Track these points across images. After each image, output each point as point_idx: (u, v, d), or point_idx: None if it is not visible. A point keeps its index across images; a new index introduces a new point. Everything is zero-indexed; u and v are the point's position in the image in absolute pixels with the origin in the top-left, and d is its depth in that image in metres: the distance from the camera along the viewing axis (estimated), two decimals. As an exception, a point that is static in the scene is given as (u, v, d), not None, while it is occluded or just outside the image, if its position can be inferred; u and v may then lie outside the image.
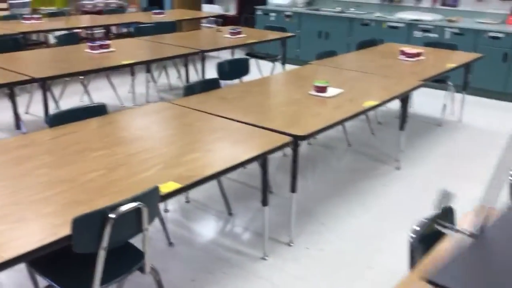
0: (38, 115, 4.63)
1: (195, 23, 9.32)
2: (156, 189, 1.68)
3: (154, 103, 2.85)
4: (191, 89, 3.02)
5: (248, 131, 2.43)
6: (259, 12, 7.55)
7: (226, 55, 7.09)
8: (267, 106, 2.85)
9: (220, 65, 3.73)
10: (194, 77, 5.99)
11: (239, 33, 5.26)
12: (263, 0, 7.89)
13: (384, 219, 3.04)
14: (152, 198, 1.67)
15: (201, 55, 4.52)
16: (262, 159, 2.35)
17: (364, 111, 2.90)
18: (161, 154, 2.10)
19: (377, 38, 5.47)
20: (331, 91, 3.10)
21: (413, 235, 1.50)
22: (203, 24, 8.75)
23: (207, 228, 2.91)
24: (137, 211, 1.62)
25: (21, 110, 4.59)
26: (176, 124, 2.50)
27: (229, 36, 5.21)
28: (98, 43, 4.19)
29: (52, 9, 7.82)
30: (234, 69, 3.85)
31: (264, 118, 2.61)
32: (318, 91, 3.07)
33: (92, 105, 2.58)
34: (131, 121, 2.54)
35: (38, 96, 4.57)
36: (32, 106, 4.77)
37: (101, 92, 5.38)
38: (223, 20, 8.10)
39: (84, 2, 8.18)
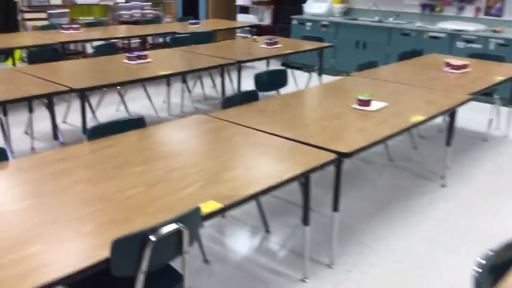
0: (75, 125, 4.66)
1: (229, 33, 9.31)
2: (197, 210, 1.60)
3: (192, 116, 2.78)
4: (229, 102, 2.94)
5: (289, 146, 2.33)
6: (294, 22, 7.46)
7: (261, 65, 7.03)
8: (308, 120, 2.74)
9: (258, 76, 3.65)
10: (229, 87, 5.95)
11: (275, 43, 5.18)
12: (298, 9, 7.81)
13: (431, 240, 2.87)
14: (193, 220, 1.59)
15: (237, 66, 4.45)
16: (304, 177, 2.24)
17: (411, 127, 2.76)
18: (201, 170, 2.02)
19: (418, 48, 5.29)
20: (375, 105, 2.96)
21: (479, 270, 1.36)
22: (238, 34, 8.73)
23: (244, 245, 2.81)
24: (177, 233, 1.53)
25: (58, 119, 4.63)
26: (215, 138, 2.42)
27: (265, 46, 5.14)
28: (136, 53, 4.18)
29: (90, 19, 7.94)
30: (272, 81, 3.77)
31: (305, 133, 2.50)
32: (361, 105, 2.94)
33: (130, 118, 2.53)
34: (169, 134, 2.48)
35: (76, 105, 4.62)
36: (70, 116, 4.81)
37: (136, 101, 5.39)
38: (258, 30, 8.06)
39: (121, 12, 8.28)
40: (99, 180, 1.89)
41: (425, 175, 3.77)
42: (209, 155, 2.19)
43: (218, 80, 5.70)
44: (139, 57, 4.19)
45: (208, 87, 6.09)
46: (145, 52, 4.27)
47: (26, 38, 5.31)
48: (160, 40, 7.19)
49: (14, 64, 5.49)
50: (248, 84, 5.95)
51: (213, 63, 4.28)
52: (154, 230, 1.46)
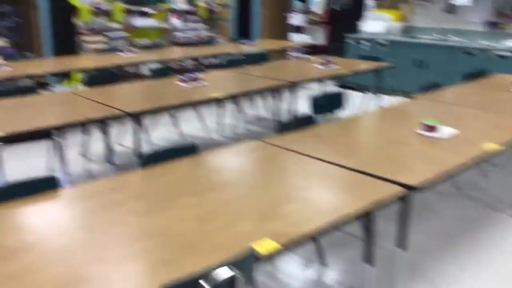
0: (129, 147, 4.69)
1: (283, 53, 9.26)
2: (253, 253, 1.47)
3: (246, 142, 2.68)
4: (285, 126, 2.82)
5: (349, 177, 2.16)
6: (350, 41, 7.29)
7: (315, 86, 6.88)
8: (369, 147, 2.56)
9: (314, 99, 3.51)
10: (282, 108, 5.84)
11: (330, 63, 5.03)
12: (354, 28, 7.64)
13: (508, 279, 2.59)
14: (248, 263, 1.46)
15: (291, 87, 4.34)
16: (368, 215, 2.07)
17: (485, 156, 2.51)
18: (255, 203, 1.89)
19: (483, 68, 4.98)
20: (443, 131, 2.74)
21: None
22: (291, 53, 8.65)
23: (298, 281, 2.64)
24: (231, 279, 1.41)
25: (113, 140, 4.67)
26: (270, 167, 2.29)
27: (319, 66, 5.00)
28: (189, 76, 4.16)
29: (147, 41, 8.14)
30: (328, 103, 3.62)
31: (366, 161, 2.33)
32: (427, 131, 2.73)
33: (184, 145, 2.46)
34: (223, 162, 2.38)
35: (130, 126, 4.61)
36: (124, 137, 4.85)
37: (189, 123, 5.38)
38: (312, 50, 7.95)
39: (176, 34, 8.43)
40: (150, 213, 1.81)
41: (496, 205, 3.46)
42: (264, 186, 2.07)
43: (270, 100, 5.60)
44: (193, 80, 4.17)
45: (260, 107, 6.00)
46: (199, 75, 4.24)
47: (86, 61, 5.45)
48: (214, 61, 7.20)
49: (73, 86, 5.63)
50: (301, 105, 5.85)
51: (266, 84, 4.19)
52: (205, 275, 1.34)
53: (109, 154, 3.46)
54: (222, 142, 4.92)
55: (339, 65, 5.10)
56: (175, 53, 6.20)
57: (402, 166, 2.26)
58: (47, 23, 7.31)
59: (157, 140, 4.89)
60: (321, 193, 1.99)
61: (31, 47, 7.47)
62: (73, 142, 4.68)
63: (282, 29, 10.00)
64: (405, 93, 3.80)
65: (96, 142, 4.56)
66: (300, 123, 2.89)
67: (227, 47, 6.89)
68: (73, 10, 7.46)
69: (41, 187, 2.00)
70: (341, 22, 8.22)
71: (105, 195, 1.97)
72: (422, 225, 3.19)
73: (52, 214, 1.81)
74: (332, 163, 2.32)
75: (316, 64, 5.08)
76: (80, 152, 4.50)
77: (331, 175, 2.18)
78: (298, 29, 8.78)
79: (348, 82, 5.64)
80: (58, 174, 3.80)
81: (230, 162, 2.37)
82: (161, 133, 5.07)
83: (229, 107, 5.79)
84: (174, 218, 1.76)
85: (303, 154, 2.45)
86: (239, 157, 2.44)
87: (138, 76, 6.23)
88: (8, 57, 5.80)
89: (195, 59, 6.47)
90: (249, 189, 2.03)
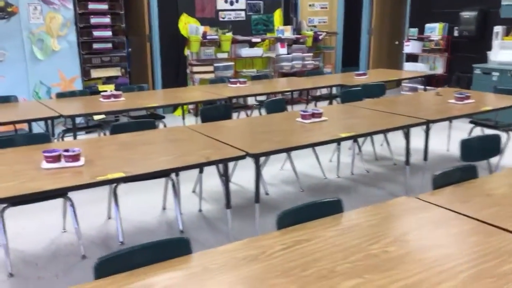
0: (241, 185, 4.39)
1: (394, 84, 8.66)
2: None
3: (396, 199, 2.21)
4: (445, 179, 2.31)
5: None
6: (477, 71, 6.54)
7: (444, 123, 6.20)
8: None
9: (465, 143, 2.96)
10: (399, 147, 5.27)
11: (466, 98, 4.41)
12: (479, 57, 6.89)
13: None
14: None
15: (426, 126, 3.80)
16: None
17: None
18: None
19: None
20: None
21: None
22: (406, 84, 8.03)
23: None
24: None
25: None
26: (442, 233, 1.80)
27: (454, 101, 4.40)
28: (310, 111, 3.79)
29: (252, 71, 7.99)
30: (483, 147, 3.04)
31: None
32: None
33: (327, 200, 2.06)
34: (376, 226, 1.92)
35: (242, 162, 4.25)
36: (234, 173, 4.58)
37: (302, 159, 4.97)
38: (427, 80, 7.29)
39: (282, 64, 8.20)
40: (304, 301, 1.41)
41: None
42: (440, 262, 1.58)
43: (392, 138, 5.06)
44: (313, 116, 3.80)
45: (377, 144, 5.47)
46: (320, 110, 3.86)
47: (196, 92, 5.33)
48: (324, 92, 6.82)
49: (183, 117, 5.54)
50: (435, 145, 5.23)
51: (397, 122, 3.69)
52: None
53: (227, 199, 3.16)
54: (341, 184, 4.46)
55: (476, 100, 4.46)
56: (285, 84, 5.90)
57: None
58: (158, 53, 7.43)
59: (268, 178, 4.56)
60: (528, 285, 1.46)
61: (142, 76, 7.63)
62: (185, 178, 4.49)
63: (393, 58, 9.41)
64: None
65: (209, 178, 4.31)
66: (460, 175, 2.37)
67: (338, 77, 6.48)
68: (182, 41, 7.54)
69: (173, 251, 1.69)
70: (463, 50, 7.48)
71: (242, 266, 1.60)
72: None
73: (185, 293, 1.47)
74: (524, 237, 1.77)
75: (451, 99, 4.48)
76: (193, 189, 4.29)
77: (531, 255, 1.64)
78: (413, 58, 8.15)
79: (482, 119, 4.93)
80: (174, 212, 3.61)
81: (384, 225, 1.91)
82: (273, 169, 4.74)
83: (344, 143, 5.32)
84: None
85: (480, 221, 1.93)
86: (398, 219, 1.97)
87: (247, 107, 6.02)
88: (121, 86, 5.88)
89: (304, 90, 6.12)
90: (420, 265, 1.55)
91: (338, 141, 3.36)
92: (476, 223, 1.92)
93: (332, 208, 2.03)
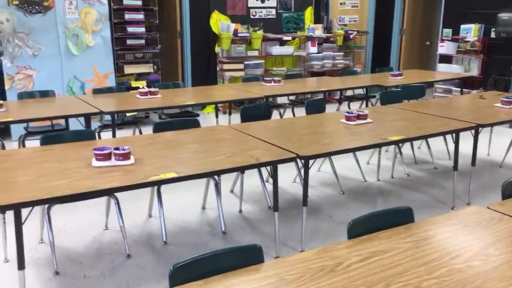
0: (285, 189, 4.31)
1: (426, 85, 8.48)
2: None
3: (468, 208, 2.11)
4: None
5: None
6: (517, 74, 6.36)
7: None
8: None
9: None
10: (444, 152, 5.15)
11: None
12: (518, 59, 6.70)
13: None
14: None
15: (476, 130, 3.68)
16: None
17: None
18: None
19: None
20: None
21: None
22: (439, 86, 7.86)
23: None
24: None
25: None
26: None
27: (500, 105, 4.26)
28: (355, 113, 3.70)
29: (283, 69, 7.90)
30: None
31: None
32: None
33: (396, 208, 1.97)
34: (450, 237, 1.83)
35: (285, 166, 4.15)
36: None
37: (339, 161, 4.86)
38: (463, 82, 7.12)
39: (312, 63, 8.10)
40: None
41: None
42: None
43: (431, 141, 4.93)
44: (358, 117, 3.70)
45: (416, 147, 5.34)
46: (365, 112, 3.76)
47: (230, 90, 5.26)
48: (357, 92, 6.69)
49: (217, 115, 5.48)
50: (483, 150, 5.08)
51: (445, 126, 3.57)
52: None
53: (274, 200, 3.09)
54: (382, 188, 4.36)
55: (521, 104, 4.31)
56: (320, 83, 5.80)
57: None
58: (189, 50, 7.39)
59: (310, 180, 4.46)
60: None
61: (172, 73, 7.60)
62: (222, 177, 4.43)
63: (425, 58, 9.23)
64: None
65: (248, 177, 4.22)
66: (530, 185, 2.26)
67: (373, 77, 6.35)
68: (213, 38, 7.48)
69: (246, 258, 1.63)
70: (500, 52, 7.28)
71: (321, 280, 1.53)
72: None
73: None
74: None
75: (496, 103, 4.33)
76: (231, 189, 4.22)
77: None
78: (446, 59, 7.97)
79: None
80: (214, 211, 3.55)
81: (465, 238, 1.81)
82: (310, 171, 4.64)
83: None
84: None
85: (562, 235, 1.82)
86: (474, 231, 1.86)
87: (280, 106, 5.93)
88: (155, 83, 5.84)
89: (342, 89, 6.00)
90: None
91: (389, 144, 3.27)
92: (559, 237, 1.81)
93: (403, 217, 1.95)
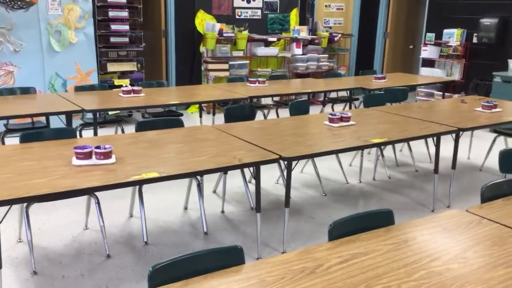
0: (266, 190, 4.31)
1: (408, 89, 8.57)
2: None
3: (446, 212, 2.14)
4: (494, 191, 2.24)
5: None
6: (497, 79, 6.47)
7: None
8: None
9: (505, 154, 2.89)
10: (425, 155, 5.21)
11: (494, 106, 4.33)
12: (499, 65, 6.82)
13: None
14: None
15: (456, 134, 3.73)
16: None
17: None
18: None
19: None
20: None
21: None
22: (422, 90, 7.95)
23: None
24: None
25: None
26: (499, 253, 1.73)
27: (481, 109, 4.32)
28: (338, 115, 3.72)
29: (267, 70, 7.90)
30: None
31: None
32: None
33: (377, 211, 1.99)
34: (429, 240, 1.85)
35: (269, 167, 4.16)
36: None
37: (321, 162, 4.88)
38: (444, 87, 7.22)
39: (297, 64, 8.12)
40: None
41: None
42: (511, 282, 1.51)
43: (412, 144, 4.99)
44: (341, 119, 3.72)
45: (397, 150, 5.39)
46: (349, 114, 3.78)
47: (215, 90, 5.24)
48: (341, 94, 6.73)
49: (201, 115, 5.46)
50: (462, 153, 5.15)
51: (427, 130, 3.61)
52: None
53: (257, 201, 3.08)
54: (364, 190, 4.39)
55: (503, 109, 4.39)
56: (304, 85, 5.82)
57: None
58: (173, 49, 7.35)
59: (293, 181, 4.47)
60: None
61: (156, 72, 7.55)
62: (204, 177, 4.41)
63: (408, 62, 9.34)
64: None
65: (231, 178, 4.22)
66: (511, 187, 2.30)
67: (355, 80, 6.40)
68: (198, 37, 7.45)
69: (226, 259, 1.62)
70: (481, 57, 7.40)
71: (302, 281, 1.53)
72: None
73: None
74: None
75: (477, 107, 4.40)
76: (214, 190, 4.21)
77: None
78: (429, 63, 8.07)
79: (507, 129, 4.85)
80: (196, 212, 3.52)
81: (444, 241, 1.83)
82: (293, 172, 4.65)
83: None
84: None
85: (538, 238, 1.86)
86: (453, 234, 1.88)
87: (264, 107, 5.94)
88: (138, 82, 5.79)
89: (326, 91, 6.03)
90: (495, 293, 1.48)
91: (371, 147, 3.30)
92: (536, 241, 1.85)
93: (383, 219, 1.96)
